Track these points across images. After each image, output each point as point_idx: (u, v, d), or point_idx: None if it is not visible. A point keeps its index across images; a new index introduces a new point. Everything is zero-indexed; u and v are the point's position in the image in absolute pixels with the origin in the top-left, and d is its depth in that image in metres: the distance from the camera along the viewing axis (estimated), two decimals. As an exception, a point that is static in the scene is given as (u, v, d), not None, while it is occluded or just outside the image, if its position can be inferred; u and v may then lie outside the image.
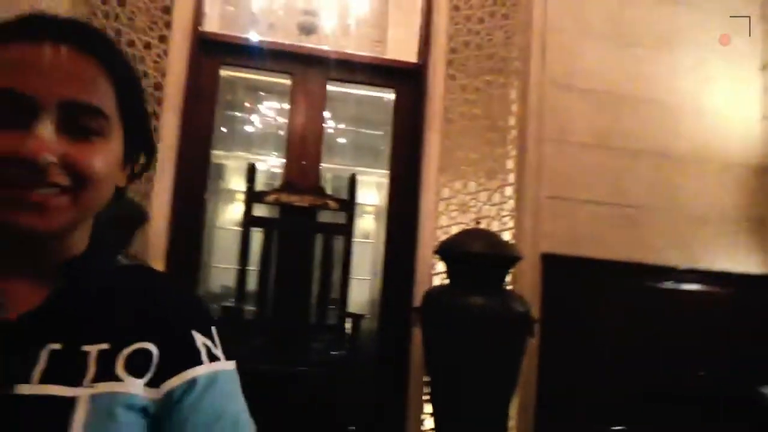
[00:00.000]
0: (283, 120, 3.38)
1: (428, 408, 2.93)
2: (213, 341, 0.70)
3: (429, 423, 2.91)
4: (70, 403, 0.57)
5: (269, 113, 4.75)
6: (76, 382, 0.58)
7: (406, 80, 3.31)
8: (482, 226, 2.78)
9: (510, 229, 3.10)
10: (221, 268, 3.90)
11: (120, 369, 0.61)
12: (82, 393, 0.58)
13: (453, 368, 2.43)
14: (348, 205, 3.02)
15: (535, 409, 2.95)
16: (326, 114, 3.39)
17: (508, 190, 3.14)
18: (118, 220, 0.76)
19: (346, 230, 2.99)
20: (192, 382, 0.64)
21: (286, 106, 3.35)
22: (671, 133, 3.29)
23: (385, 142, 3.76)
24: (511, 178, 3.14)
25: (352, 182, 3.05)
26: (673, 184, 3.26)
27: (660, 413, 3.10)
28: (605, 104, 3.23)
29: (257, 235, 2.98)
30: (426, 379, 2.91)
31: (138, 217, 2.25)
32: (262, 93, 4.41)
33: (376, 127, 4.33)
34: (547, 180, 3.11)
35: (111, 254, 0.72)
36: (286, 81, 3.34)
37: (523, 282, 2.95)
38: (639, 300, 3.14)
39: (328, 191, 3.15)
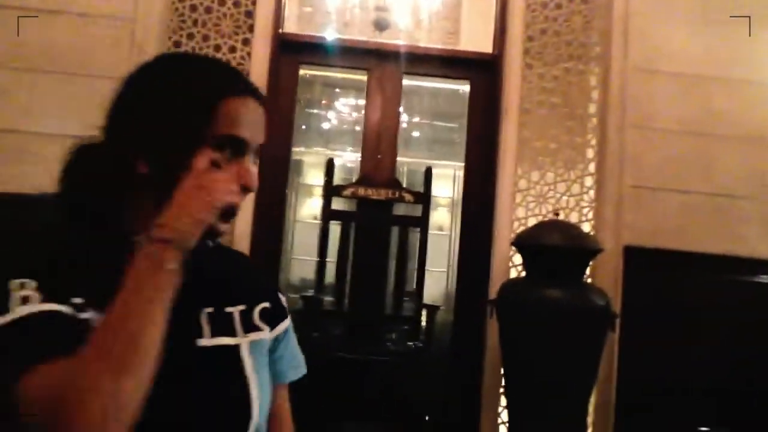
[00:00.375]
0: (359, 115, 3.45)
1: (504, 401, 2.92)
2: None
3: (505, 416, 2.90)
4: (236, 348, 0.80)
5: (346, 109, 4.86)
6: (233, 333, 0.82)
7: (482, 71, 3.28)
8: (561, 217, 2.72)
9: (590, 220, 3.02)
10: (301, 260, 4.04)
11: (258, 321, 0.87)
12: (242, 341, 0.82)
13: (529, 362, 2.41)
14: (423, 198, 3.05)
15: (615, 406, 2.87)
16: (401, 108, 3.42)
17: (589, 180, 3.06)
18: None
19: (422, 223, 3.02)
20: (285, 329, 0.95)
21: (362, 101, 3.42)
22: (764, 118, 3.07)
23: (461, 134, 3.74)
24: (592, 167, 3.05)
25: (428, 175, 3.07)
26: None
27: (749, 414, 2.93)
28: (693, 88, 3.06)
29: (335, 228, 3.06)
30: (502, 371, 2.90)
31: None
32: (338, 90, 4.52)
33: (451, 119, 4.32)
34: (629, 169, 2.99)
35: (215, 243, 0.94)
36: (362, 77, 3.40)
37: (603, 275, 2.87)
38: (729, 295, 2.97)
39: (404, 184, 3.20)
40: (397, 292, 2.98)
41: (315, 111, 4.88)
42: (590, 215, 3.03)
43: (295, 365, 0.98)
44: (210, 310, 0.81)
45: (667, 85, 3.06)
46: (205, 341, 0.78)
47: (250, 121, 0.83)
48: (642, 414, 2.90)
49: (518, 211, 3.01)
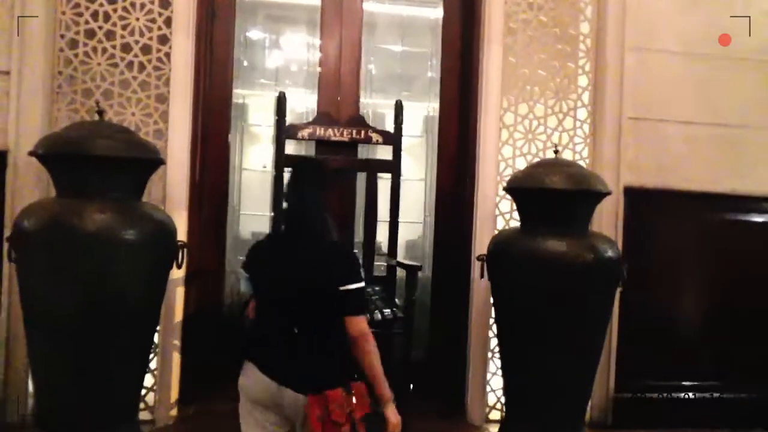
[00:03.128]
0: (313, 53, 2.89)
1: (492, 367, 2.58)
2: None
3: (494, 383, 2.57)
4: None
5: (298, 41, 4.23)
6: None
7: (457, -16, 2.78)
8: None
9: (585, 158, 2.64)
10: (251, 216, 3.53)
11: None
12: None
13: (531, 323, 2.04)
14: (394, 138, 2.58)
15: (616, 363, 2.58)
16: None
17: (583, 113, 2.65)
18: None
19: (393, 167, 2.56)
20: None
21: (316, 39, 2.86)
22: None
23: (433, 69, 3.25)
24: (586, 97, 2.65)
25: (398, 110, 2.60)
26: (780, 98, 2.72)
27: (752, 370, 2.70)
28: (698, 2, 2.67)
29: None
30: (491, 335, 2.55)
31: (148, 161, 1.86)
32: (288, 15, 3.89)
33: (422, 52, 3.79)
34: (629, 98, 2.61)
35: None
36: (315, 2, 2.84)
37: (601, 221, 2.51)
38: (740, 239, 2.68)
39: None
40: (367, 249, 2.55)
41: (260, 46, 4.22)
42: (585, 152, 2.64)
43: None
44: None
45: (668, 1, 2.65)
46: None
47: None
48: (642, 371, 2.63)
49: (504, 150, 2.59)
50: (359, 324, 1.43)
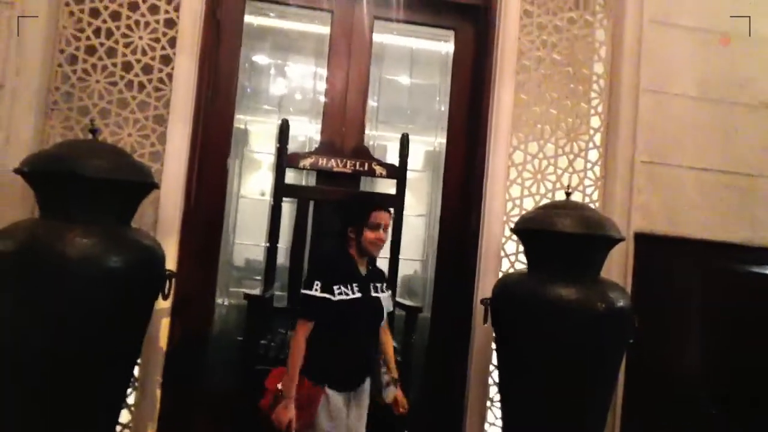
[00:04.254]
0: (320, 84, 2.81)
1: (491, 417, 2.44)
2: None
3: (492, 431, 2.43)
4: (379, 297, 1.97)
5: (304, 70, 4.18)
6: (378, 292, 1.98)
7: (470, 19, 2.73)
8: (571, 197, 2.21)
9: (595, 201, 2.55)
10: (246, 246, 3.42)
11: (385, 289, 2.02)
12: (381, 295, 1.97)
13: (535, 374, 1.91)
14: (398, 171, 2.49)
15: (621, 414, 2.44)
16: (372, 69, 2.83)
17: (594, 154, 2.57)
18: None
19: (396, 201, 2.46)
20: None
21: (322, 68, 2.79)
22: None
23: (442, 103, 3.19)
24: (598, 139, 2.57)
25: (404, 143, 2.52)
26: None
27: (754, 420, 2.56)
28: (715, 46, 2.62)
29: (290, 207, 2.47)
30: (491, 382, 2.42)
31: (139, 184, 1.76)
32: (294, 43, 3.85)
33: (432, 85, 3.74)
34: (642, 141, 2.53)
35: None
36: (325, 29, 2.79)
37: (610, 267, 2.40)
38: (751, 291, 2.57)
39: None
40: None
41: (266, 71, 4.18)
42: (595, 195, 2.55)
43: (391, 304, 2.07)
44: (374, 284, 1.97)
45: (686, 42, 2.60)
46: (372, 294, 1.94)
47: (383, 218, 1.94)
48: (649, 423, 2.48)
49: (512, 189, 2.50)
50: (297, 326, 1.84)
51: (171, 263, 2.14)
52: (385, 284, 2.02)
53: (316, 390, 1.81)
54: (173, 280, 1.86)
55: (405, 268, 3.85)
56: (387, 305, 1.98)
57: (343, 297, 1.84)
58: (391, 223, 2.00)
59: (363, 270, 1.96)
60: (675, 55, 2.59)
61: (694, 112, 2.59)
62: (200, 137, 2.40)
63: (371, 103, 3.90)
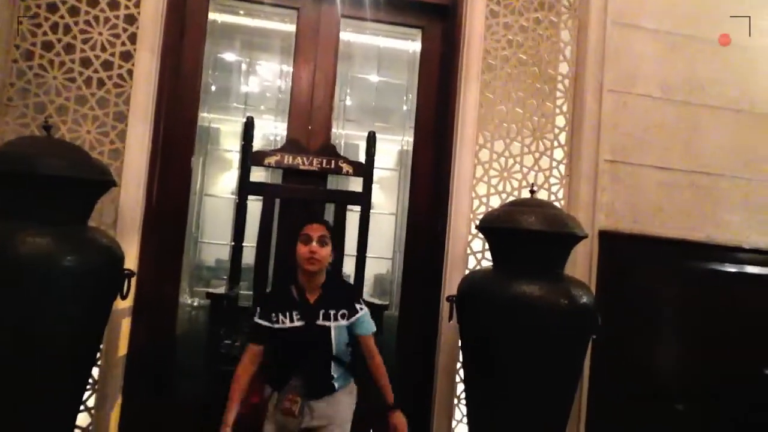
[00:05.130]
0: (288, 82, 2.77)
1: (458, 414, 2.45)
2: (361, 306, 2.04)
3: (459, 430, 2.43)
4: (329, 327, 1.93)
5: (273, 68, 4.14)
6: (329, 320, 1.94)
7: (437, 18, 2.73)
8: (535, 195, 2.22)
9: (560, 199, 2.57)
10: (213, 245, 3.37)
11: (339, 318, 1.95)
12: (333, 325, 1.94)
13: (502, 369, 1.92)
14: (365, 169, 2.48)
15: (587, 409, 2.46)
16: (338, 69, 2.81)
17: (559, 153, 2.60)
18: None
19: (363, 199, 2.45)
20: (356, 318, 1.99)
21: (288, 66, 2.76)
22: (755, 85, 2.72)
23: (409, 102, 3.19)
24: (563, 138, 2.60)
25: (371, 141, 2.51)
26: (754, 148, 2.71)
27: (719, 415, 2.61)
28: (678, 48, 2.67)
29: (256, 206, 2.44)
30: (458, 380, 2.42)
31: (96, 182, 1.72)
32: (262, 42, 3.82)
33: (398, 85, 3.73)
34: (606, 141, 2.56)
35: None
36: (290, 27, 2.77)
37: (575, 265, 2.43)
38: (713, 288, 2.62)
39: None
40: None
41: (231, 69, 4.13)
42: (561, 194, 2.58)
43: (366, 328, 2.01)
44: (323, 311, 1.94)
45: (650, 44, 2.65)
46: (319, 322, 1.92)
47: (314, 230, 1.96)
48: (612, 414, 2.51)
49: (478, 187, 2.51)
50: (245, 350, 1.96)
51: (131, 263, 2.10)
52: (345, 311, 1.96)
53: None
54: (132, 279, 1.82)
55: (377, 267, 3.85)
56: (339, 335, 1.93)
57: (281, 325, 1.89)
58: (328, 233, 1.96)
59: (312, 296, 1.96)
60: (639, 57, 2.63)
61: (657, 113, 2.63)
62: (162, 135, 2.36)
63: (340, 101, 3.89)
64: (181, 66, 2.50)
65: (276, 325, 1.89)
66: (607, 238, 2.52)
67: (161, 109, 2.32)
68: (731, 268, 2.63)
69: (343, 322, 1.96)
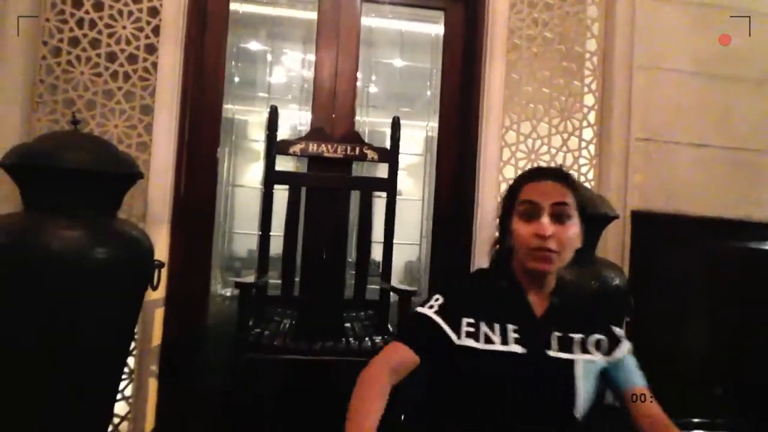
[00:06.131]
0: (308, 71, 2.77)
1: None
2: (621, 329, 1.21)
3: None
4: (572, 362, 1.10)
5: (295, 57, 4.15)
6: (572, 351, 1.12)
7: (459, -2, 2.69)
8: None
9: (590, 180, 2.51)
10: (245, 236, 3.41)
11: (590, 347, 1.14)
12: (577, 358, 1.11)
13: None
14: (390, 155, 2.46)
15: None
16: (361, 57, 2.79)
17: (588, 133, 2.54)
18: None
19: (389, 185, 2.44)
20: (622, 357, 1.16)
21: (311, 55, 2.75)
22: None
23: (433, 87, 3.16)
24: (592, 117, 2.53)
25: (395, 126, 2.48)
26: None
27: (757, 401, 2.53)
28: (709, 20, 2.56)
29: (283, 195, 2.45)
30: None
31: (127, 174, 1.75)
32: (284, 30, 3.82)
33: (422, 70, 3.70)
34: (637, 119, 2.49)
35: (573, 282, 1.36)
36: (311, 14, 2.75)
37: (606, 246, 2.38)
38: (752, 267, 2.53)
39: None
40: (360, 271, 2.41)
41: (254, 60, 4.16)
42: (590, 174, 2.52)
43: (640, 375, 1.16)
44: (559, 333, 1.14)
45: (682, 17, 2.55)
46: (551, 353, 1.11)
47: (541, 191, 1.15)
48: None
49: (506, 170, 2.47)
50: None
51: (161, 254, 2.13)
52: (601, 337, 1.15)
53: None
54: (162, 270, 1.85)
55: (405, 254, 3.85)
56: (587, 379, 1.09)
57: (484, 345, 1.09)
58: (573, 199, 1.14)
59: (539, 306, 1.17)
60: (669, 31, 2.54)
61: (690, 88, 2.54)
62: (188, 127, 2.38)
63: (364, 88, 3.87)
64: (205, 57, 2.51)
65: (462, 340, 1.10)
66: (640, 219, 2.45)
67: (186, 101, 2.34)
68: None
69: (598, 357, 1.13)
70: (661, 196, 2.49)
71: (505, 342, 1.10)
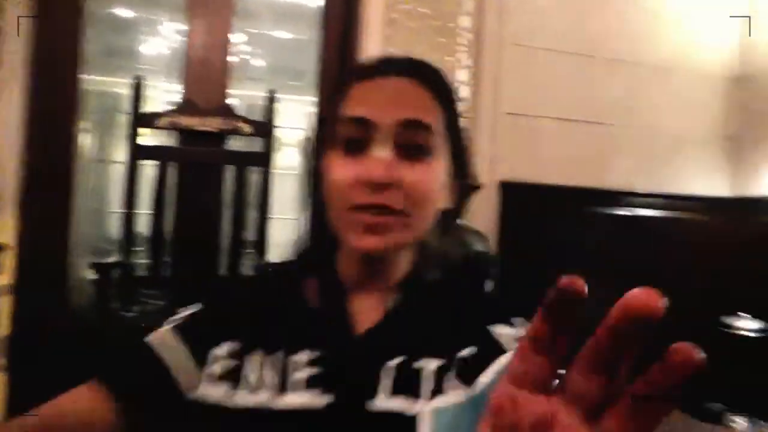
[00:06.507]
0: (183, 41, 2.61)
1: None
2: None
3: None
4: (413, 421, 0.57)
5: (169, 29, 3.93)
6: (417, 395, 0.60)
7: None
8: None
9: (464, 154, 2.59)
10: (109, 213, 3.21)
11: (452, 381, 0.61)
12: (425, 409, 0.58)
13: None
14: (265, 129, 2.40)
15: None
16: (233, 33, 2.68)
17: (460, 107, 2.60)
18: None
19: (264, 159, 2.38)
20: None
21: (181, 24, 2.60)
22: (650, 37, 2.81)
23: (310, 61, 3.10)
24: (465, 91, 2.60)
25: (270, 101, 2.42)
26: (647, 98, 2.81)
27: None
28: (575, 3, 2.71)
29: (151, 171, 2.32)
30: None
31: None
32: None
33: (308, 43, 3.62)
34: (507, 93, 2.59)
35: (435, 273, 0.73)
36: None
37: (476, 215, 2.47)
38: (606, 232, 2.73)
39: (240, 114, 2.50)
40: (234, 247, 2.34)
41: (129, 29, 3.89)
42: (464, 148, 2.59)
43: None
44: (397, 361, 0.62)
45: (547, -2, 2.67)
46: (379, 403, 0.59)
47: (379, 99, 0.67)
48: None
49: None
50: None
51: (7, 235, 1.95)
52: (469, 354, 0.65)
53: None
54: (4, 253, 1.69)
55: (284, 229, 3.80)
56: None
57: (238, 396, 0.63)
58: (431, 119, 0.70)
59: (369, 314, 0.69)
60: (541, 10, 2.66)
61: (554, 66, 2.68)
62: (40, 98, 2.18)
63: (250, 61, 3.74)
64: (57, 23, 2.30)
65: (216, 391, 0.64)
66: (508, 189, 2.57)
67: (37, 70, 2.14)
68: (621, 212, 2.74)
69: (464, 395, 0.60)
70: (528, 166, 2.62)
71: (285, 388, 0.61)
